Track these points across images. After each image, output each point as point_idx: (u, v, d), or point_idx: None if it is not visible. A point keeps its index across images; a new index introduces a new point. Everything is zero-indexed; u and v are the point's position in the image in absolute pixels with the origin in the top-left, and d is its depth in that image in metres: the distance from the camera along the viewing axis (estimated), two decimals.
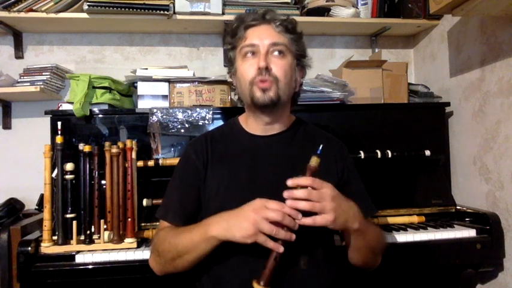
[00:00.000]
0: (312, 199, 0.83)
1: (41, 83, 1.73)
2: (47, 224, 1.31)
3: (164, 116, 1.56)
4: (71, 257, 1.27)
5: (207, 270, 0.99)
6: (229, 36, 1.07)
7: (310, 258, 0.98)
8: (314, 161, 0.87)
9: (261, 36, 1.01)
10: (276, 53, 1.00)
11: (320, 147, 0.87)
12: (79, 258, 1.26)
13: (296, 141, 1.07)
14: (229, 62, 1.11)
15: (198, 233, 0.90)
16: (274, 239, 0.83)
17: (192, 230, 0.92)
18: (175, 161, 1.45)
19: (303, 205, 0.83)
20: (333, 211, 0.84)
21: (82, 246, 1.31)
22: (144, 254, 1.28)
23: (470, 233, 1.44)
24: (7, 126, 1.89)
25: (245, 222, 0.83)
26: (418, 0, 1.93)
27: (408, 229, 1.48)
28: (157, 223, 1.38)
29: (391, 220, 1.55)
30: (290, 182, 0.84)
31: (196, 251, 0.91)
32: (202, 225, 0.91)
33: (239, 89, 1.07)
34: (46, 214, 1.32)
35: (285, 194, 0.84)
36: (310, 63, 1.13)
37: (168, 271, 1.00)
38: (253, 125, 1.07)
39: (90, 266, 1.26)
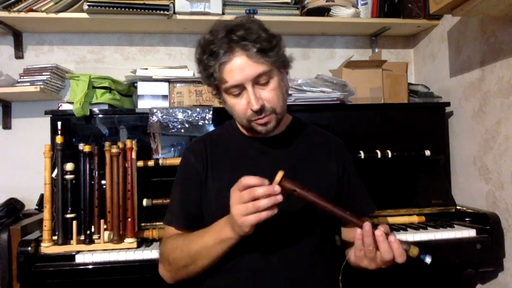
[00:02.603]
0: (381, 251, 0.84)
1: (41, 83, 1.73)
2: (47, 224, 1.31)
3: (164, 116, 1.56)
4: (71, 257, 1.27)
5: (209, 274, 0.98)
6: (203, 70, 0.96)
7: (313, 256, 0.98)
8: (412, 252, 0.86)
9: (241, 74, 0.91)
10: (263, 81, 0.93)
11: (428, 261, 0.84)
12: (79, 258, 1.26)
13: (294, 142, 1.06)
14: (212, 89, 1.02)
15: (212, 237, 0.89)
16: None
17: (203, 235, 0.92)
18: (175, 161, 1.46)
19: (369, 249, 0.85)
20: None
21: (82, 246, 1.31)
22: (144, 254, 1.28)
23: (470, 233, 1.44)
24: (7, 126, 1.89)
25: (238, 216, 0.81)
26: (418, 0, 1.93)
27: (408, 229, 1.48)
28: (158, 223, 1.39)
29: (391, 220, 1.55)
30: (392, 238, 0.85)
31: (211, 254, 0.90)
32: (214, 228, 0.90)
33: (234, 116, 1.02)
34: (46, 214, 1.32)
35: (378, 232, 0.84)
36: (291, 59, 1.02)
37: (180, 278, 0.99)
38: None
39: (90, 266, 1.26)
